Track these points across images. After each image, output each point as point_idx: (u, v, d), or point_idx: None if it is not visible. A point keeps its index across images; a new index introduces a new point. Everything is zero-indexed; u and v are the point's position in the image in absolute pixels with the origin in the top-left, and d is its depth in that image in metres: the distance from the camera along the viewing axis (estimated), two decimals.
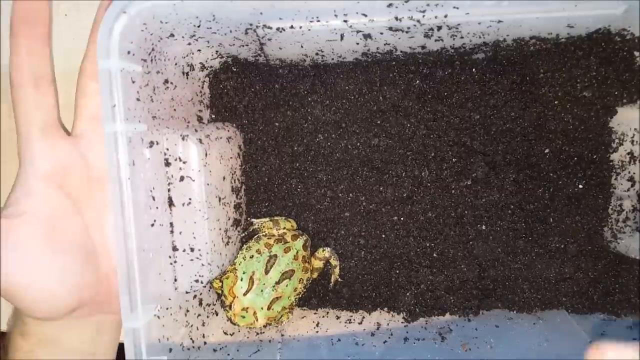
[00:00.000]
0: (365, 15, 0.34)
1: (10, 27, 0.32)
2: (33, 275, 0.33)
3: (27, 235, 0.33)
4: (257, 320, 0.41)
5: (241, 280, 0.42)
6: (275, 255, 0.43)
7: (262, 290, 0.42)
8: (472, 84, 0.44)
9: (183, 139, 0.37)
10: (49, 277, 0.33)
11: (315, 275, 0.46)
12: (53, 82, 0.34)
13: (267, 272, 0.42)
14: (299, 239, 0.44)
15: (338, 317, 0.46)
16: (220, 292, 0.43)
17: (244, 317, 0.41)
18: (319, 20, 0.35)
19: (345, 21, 0.35)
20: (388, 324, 0.44)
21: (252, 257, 0.43)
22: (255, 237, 0.45)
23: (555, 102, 0.43)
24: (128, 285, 0.31)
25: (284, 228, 0.45)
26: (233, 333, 0.44)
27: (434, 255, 0.45)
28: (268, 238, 0.44)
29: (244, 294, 0.41)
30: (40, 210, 0.34)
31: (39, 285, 0.33)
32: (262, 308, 0.41)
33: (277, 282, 0.42)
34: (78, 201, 0.35)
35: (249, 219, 0.47)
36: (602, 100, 0.43)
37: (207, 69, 0.44)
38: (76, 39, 0.50)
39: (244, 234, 0.46)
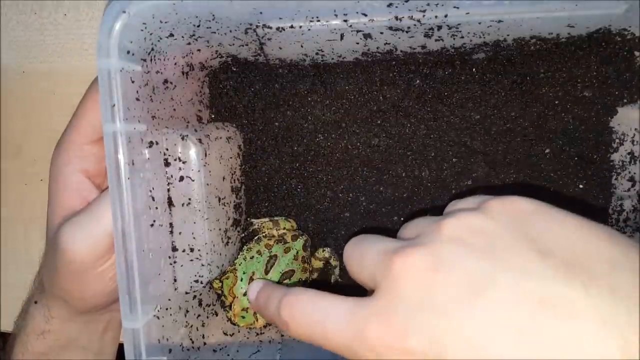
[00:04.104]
0: (365, 15, 0.34)
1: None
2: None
3: None
4: (257, 320, 0.41)
5: (241, 280, 0.42)
6: (276, 256, 0.43)
7: None
8: (473, 84, 0.44)
9: (183, 138, 0.37)
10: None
11: (315, 275, 0.46)
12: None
13: (267, 272, 0.42)
14: (299, 239, 0.44)
15: None
16: (220, 292, 0.43)
17: (244, 317, 0.41)
18: (319, 20, 0.35)
19: (345, 21, 0.35)
20: None
21: (252, 257, 0.43)
22: (256, 238, 0.45)
23: (556, 102, 0.43)
24: (127, 286, 0.31)
25: (284, 228, 0.45)
26: (233, 334, 0.44)
27: None
28: (268, 239, 0.44)
29: (244, 294, 0.41)
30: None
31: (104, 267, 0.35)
32: None
33: (277, 283, 0.42)
34: None
35: (248, 219, 0.47)
36: (602, 100, 0.43)
37: (206, 69, 0.44)
38: (76, 39, 0.50)
39: (243, 234, 0.46)
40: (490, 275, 0.21)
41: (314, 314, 0.25)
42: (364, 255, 0.26)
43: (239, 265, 0.43)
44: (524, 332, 0.20)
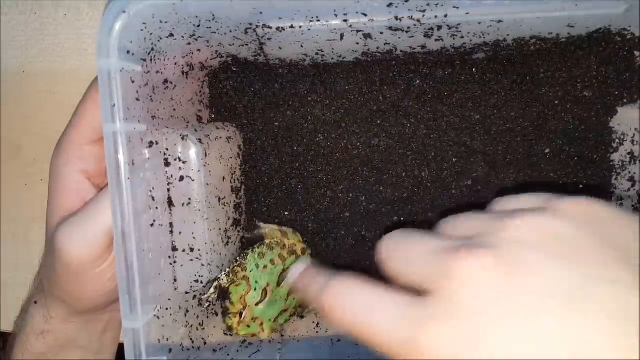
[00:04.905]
0: (365, 15, 0.34)
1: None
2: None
3: None
4: (263, 330, 0.41)
5: (254, 290, 0.41)
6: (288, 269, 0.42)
7: (275, 301, 0.41)
8: (473, 84, 0.44)
9: (183, 138, 0.37)
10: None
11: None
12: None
13: (279, 284, 0.42)
14: (307, 253, 0.44)
15: None
16: (228, 298, 0.41)
17: (249, 326, 0.40)
18: (319, 20, 0.35)
19: (345, 21, 0.35)
20: None
21: (265, 267, 0.42)
22: (267, 243, 0.43)
23: (556, 102, 0.43)
24: (127, 286, 0.31)
25: (293, 240, 0.45)
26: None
27: None
28: (282, 248, 0.43)
29: (257, 304, 0.41)
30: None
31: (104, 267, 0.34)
32: (269, 319, 0.41)
33: (286, 296, 0.42)
34: None
35: (256, 221, 0.46)
36: (602, 100, 0.43)
37: (206, 69, 0.44)
38: (76, 39, 0.50)
39: (249, 236, 0.45)
40: (581, 286, 0.19)
41: (360, 306, 0.23)
42: (411, 254, 0.24)
43: (250, 272, 0.41)
44: (627, 349, 0.18)
